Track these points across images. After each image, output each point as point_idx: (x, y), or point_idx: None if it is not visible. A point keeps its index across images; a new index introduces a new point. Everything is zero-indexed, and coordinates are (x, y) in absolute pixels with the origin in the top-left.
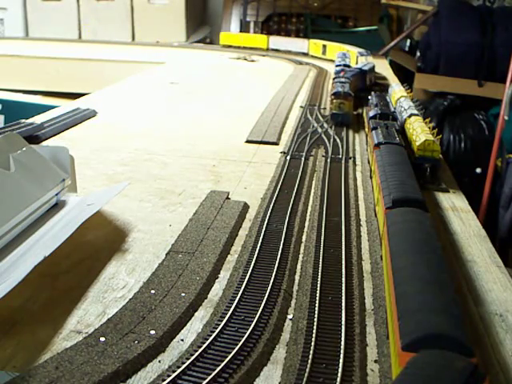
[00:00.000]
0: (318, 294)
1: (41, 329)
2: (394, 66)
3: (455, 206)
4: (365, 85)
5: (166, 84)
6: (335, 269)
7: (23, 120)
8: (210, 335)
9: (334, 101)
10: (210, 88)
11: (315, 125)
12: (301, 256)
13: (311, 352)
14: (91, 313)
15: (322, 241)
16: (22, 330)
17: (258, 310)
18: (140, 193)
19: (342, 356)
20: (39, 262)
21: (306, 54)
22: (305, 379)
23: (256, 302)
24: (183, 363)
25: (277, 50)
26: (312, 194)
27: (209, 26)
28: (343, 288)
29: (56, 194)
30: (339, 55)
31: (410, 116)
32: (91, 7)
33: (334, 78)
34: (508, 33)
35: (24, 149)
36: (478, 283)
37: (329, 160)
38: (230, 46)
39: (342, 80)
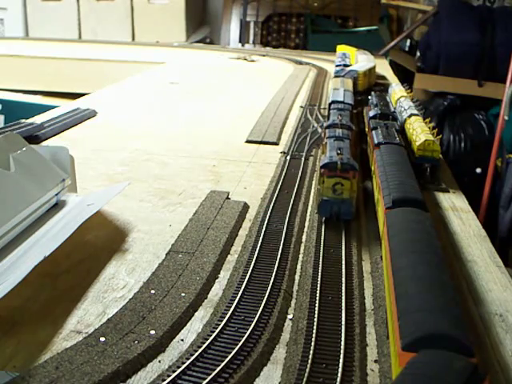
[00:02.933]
0: (318, 294)
1: (41, 329)
2: (394, 65)
3: (455, 206)
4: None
5: (166, 84)
6: (335, 269)
7: (23, 120)
8: (210, 335)
9: (326, 179)
10: (210, 88)
11: (315, 125)
12: (301, 256)
13: (311, 352)
14: (91, 313)
15: (321, 241)
16: (22, 330)
17: (258, 310)
18: (140, 193)
19: (341, 356)
20: (39, 261)
21: None
22: (305, 379)
23: (256, 302)
24: (183, 363)
25: None
26: (312, 193)
27: (209, 26)
28: (343, 288)
29: (56, 194)
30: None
31: (410, 116)
32: (91, 7)
33: (327, 125)
34: (508, 33)
35: (24, 149)
36: (478, 283)
37: None
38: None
39: (339, 133)
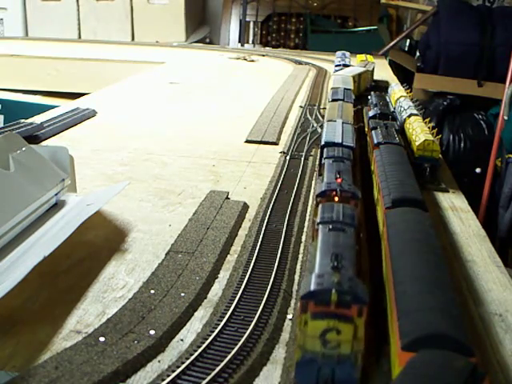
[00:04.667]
0: None
1: (41, 329)
2: (394, 65)
3: (455, 206)
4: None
5: (165, 84)
6: None
7: (23, 120)
8: (210, 335)
9: (310, 321)
10: (209, 88)
11: (315, 125)
12: (300, 256)
13: None
14: (91, 313)
15: None
16: (22, 330)
17: (257, 310)
18: (140, 193)
19: None
20: (39, 261)
21: None
22: None
23: (255, 302)
24: (183, 363)
25: None
26: (312, 193)
27: (208, 26)
28: None
29: (55, 194)
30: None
31: (409, 116)
32: (91, 7)
33: (319, 192)
34: (508, 33)
35: (24, 149)
36: (478, 283)
37: None
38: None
39: (339, 213)
